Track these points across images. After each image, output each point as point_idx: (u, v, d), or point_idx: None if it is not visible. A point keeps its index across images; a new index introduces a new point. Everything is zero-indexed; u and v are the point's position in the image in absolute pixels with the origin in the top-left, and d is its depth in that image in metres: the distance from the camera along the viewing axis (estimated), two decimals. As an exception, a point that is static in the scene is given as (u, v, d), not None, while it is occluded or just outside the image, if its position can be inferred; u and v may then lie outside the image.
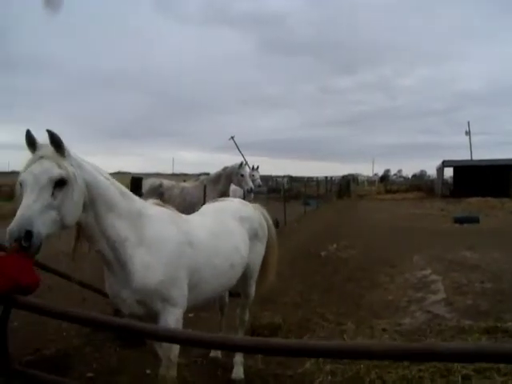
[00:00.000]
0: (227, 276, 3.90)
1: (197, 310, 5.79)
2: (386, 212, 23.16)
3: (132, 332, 2.36)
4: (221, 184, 10.08)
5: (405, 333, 5.54)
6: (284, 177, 46.44)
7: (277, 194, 27.83)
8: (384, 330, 5.62)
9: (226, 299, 5.19)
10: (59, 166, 2.65)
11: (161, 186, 10.23)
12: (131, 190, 6.47)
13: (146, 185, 10.33)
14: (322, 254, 10.55)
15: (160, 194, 10.13)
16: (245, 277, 4.40)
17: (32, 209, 2.47)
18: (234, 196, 14.37)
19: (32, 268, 2.52)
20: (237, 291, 4.81)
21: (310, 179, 45.26)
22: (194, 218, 4.01)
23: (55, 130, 2.68)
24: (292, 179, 46.47)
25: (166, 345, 3.26)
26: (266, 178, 43.20)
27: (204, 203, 9.29)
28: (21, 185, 2.63)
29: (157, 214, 3.35)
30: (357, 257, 10.40)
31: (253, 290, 4.66)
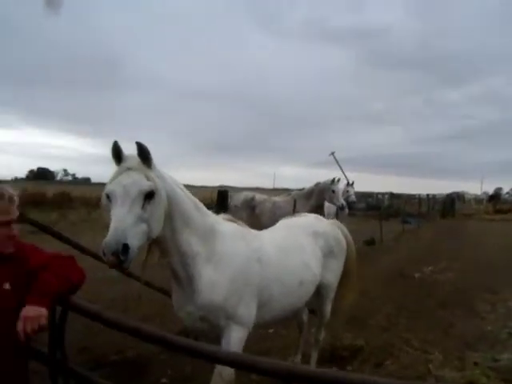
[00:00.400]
0: (297, 294, 3.76)
1: (276, 327, 5.78)
2: (494, 233, 21.34)
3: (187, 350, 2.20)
4: (312, 199, 10.04)
5: (502, 370, 5.03)
6: (385, 194, 45.02)
7: (376, 211, 26.97)
8: (476, 363, 5.12)
9: (304, 317, 5.07)
10: (147, 178, 2.65)
11: (253, 199, 10.45)
12: (217, 203, 6.77)
13: (240, 198, 10.63)
14: (416, 275, 10.01)
15: (252, 208, 10.37)
16: (319, 296, 4.30)
17: (126, 222, 2.47)
18: (329, 212, 14.26)
19: (76, 263, 2.60)
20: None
21: (411, 196, 43.37)
22: (265, 233, 3.91)
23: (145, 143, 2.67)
24: (393, 196, 44.86)
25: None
26: (365, 195, 42.20)
27: (293, 217, 9.39)
28: (108, 196, 2.62)
29: (227, 230, 3.29)
30: (454, 280, 9.69)
31: (328, 309, 4.53)
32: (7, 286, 2.26)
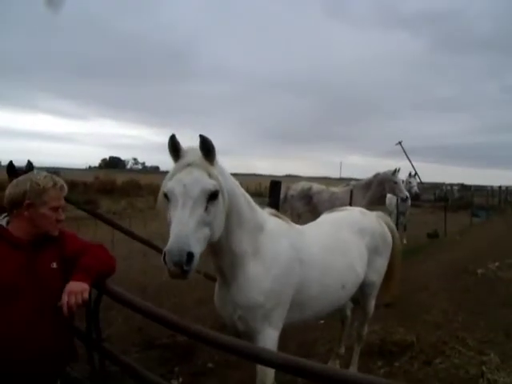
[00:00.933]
0: (337, 296, 3.59)
1: (327, 319, 5.70)
2: None
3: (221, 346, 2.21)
4: (371, 191, 9.79)
5: None
6: (455, 185, 43.13)
7: (445, 203, 25.91)
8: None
9: (348, 311, 4.95)
10: (210, 176, 2.42)
11: (310, 189, 10.37)
12: (270, 194, 6.73)
13: (297, 188, 10.59)
14: (479, 271, 9.50)
15: (309, 198, 10.31)
16: (362, 293, 4.18)
17: (189, 227, 2.24)
18: (390, 203, 13.86)
19: (108, 251, 2.73)
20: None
21: (482, 188, 41.20)
22: (309, 230, 3.66)
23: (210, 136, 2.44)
24: (464, 187, 42.85)
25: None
26: (434, 186, 40.56)
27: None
28: (166, 195, 2.41)
29: (273, 227, 3.13)
30: (521, 279, 9.14)
31: (371, 305, 4.42)
32: (54, 265, 2.44)
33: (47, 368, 2.40)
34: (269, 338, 2.99)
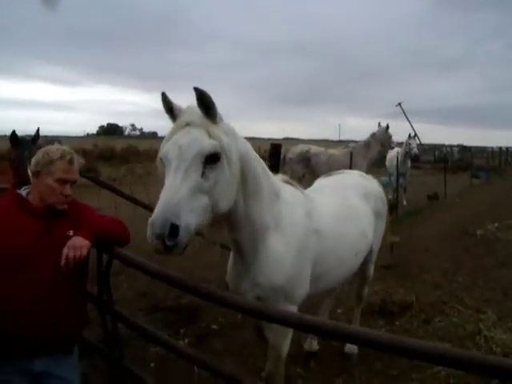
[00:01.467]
0: (350, 265, 3.46)
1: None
2: None
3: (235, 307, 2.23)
4: (371, 151, 9.80)
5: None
6: (455, 146, 43.01)
7: (444, 164, 25.95)
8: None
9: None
10: (210, 136, 2.11)
11: (308, 151, 10.36)
12: (270, 157, 6.71)
13: (295, 150, 10.57)
14: (478, 232, 9.59)
15: (307, 160, 10.30)
16: (365, 260, 3.98)
17: (179, 194, 1.95)
18: (391, 166, 13.85)
19: (124, 224, 2.74)
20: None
21: (482, 149, 41.10)
22: (318, 198, 3.31)
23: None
24: (464, 149, 42.71)
25: (277, 335, 2.90)
26: (433, 147, 40.44)
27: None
28: (162, 159, 2.15)
29: (288, 196, 2.86)
30: (520, 239, 9.24)
31: (371, 270, 4.37)
32: (71, 233, 2.46)
33: (63, 333, 2.45)
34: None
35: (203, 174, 2.07)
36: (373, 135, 9.84)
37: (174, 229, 1.88)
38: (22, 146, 4.58)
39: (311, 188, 3.89)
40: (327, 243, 3.03)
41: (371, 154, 9.76)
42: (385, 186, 15.11)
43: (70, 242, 2.34)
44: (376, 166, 11.86)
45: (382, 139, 9.68)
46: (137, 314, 5.36)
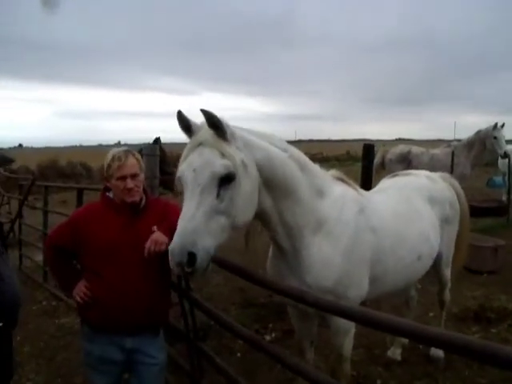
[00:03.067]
0: (413, 269, 3.32)
1: (423, 283, 5.65)
2: None
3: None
4: (475, 150, 9.25)
5: None
6: None
7: None
8: None
9: (413, 292, 4.62)
10: (223, 155, 2.13)
11: (409, 152, 10.05)
12: (363, 158, 6.68)
13: (395, 151, 10.33)
14: None
15: (408, 161, 10.00)
16: (437, 266, 3.93)
17: (195, 220, 2.04)
18: (503, 165, 12.83)
19: None
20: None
21: None
22: (376, 196, 3.34)
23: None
24: None
25: (337, 334, 2.90)
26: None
27: (452, 171, 8.80)
28: (180, 181, 2.21)
29: (337, 193, 2.80)
30: None
31: (448, 274, 4.20)
32: (155, 228, 2.75)
33: (151, 315, 2.78)
34: (343, 324, 2.75)
35: (218, 196, 2.10)
36: (478, 132, 9.26)
37: (192, 257, 1.98)
38: None
39: (375, 188, 3.87)
40: (385, 242, 2.95)
41: (474, 153, 9.19)
42: (498, 186, 14.09)
43: (152, 237, 2.64)
44: (483, 165, 11.09)
45: (485, 136, 9.06)
46: (230, 308, 5.75)
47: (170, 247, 2.03)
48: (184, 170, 2.18)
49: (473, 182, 13.74)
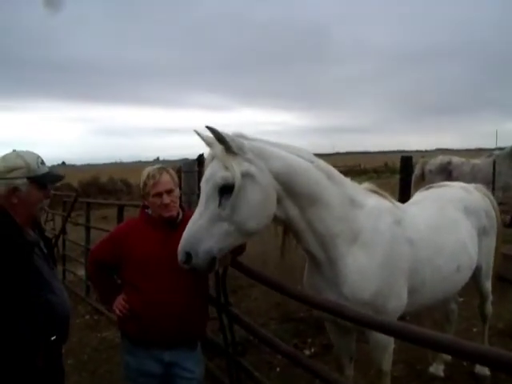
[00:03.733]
0: (452, 280, 3.28)
1: (467, 295, 5.50)
2: None
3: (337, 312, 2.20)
4: (519, 159, 8.98)
5: None
6: None
7: None
8: None
9: (453, 305, 4.46)
10: (226, 168, 2.30)
11: (449, 163, 9.88)
12: (401, 170, 6.59)
13: (435, 162, 10.16)
14: None
15: (448, 172, 9.83)
16: (477, 278, 3.86)
17: (197, 224, 2.31)
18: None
19: None
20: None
21: None
22: (412, 208, 3.37)
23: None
24: None
25: (377, 349, 2.90)
26: None
27: (494, 181, 8.56)
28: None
29: (371, 204, 2.81)
30: None
31: (488, 286, 4.08)
32: None
33: (189, 330, 2.82)
34: (380, 335, 2.63)
35: (220, 204, 2.30)
36: (522, 141, 9.01)
37: (188, 256, 2.31)
38: None
39: (410, 200, 3.83)
40: (423, 253, 2.94)
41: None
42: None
43: None
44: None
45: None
46: (268, 322, 5.73)
47: (178, 248, 2.34)
48: (202, 181, 2.41)
49: (518, 191, 13.31)
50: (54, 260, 2.61)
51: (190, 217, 2.95)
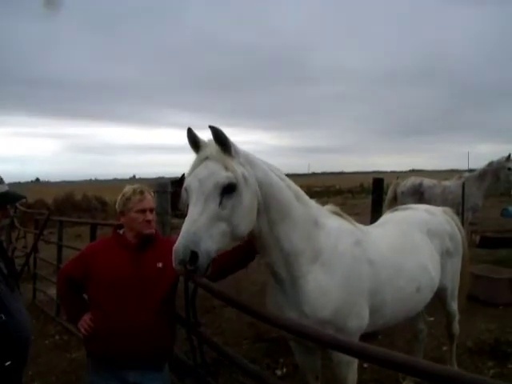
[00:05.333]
0: (412, 301, 3.32)
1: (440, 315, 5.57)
2: None
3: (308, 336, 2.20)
4: (486, 181, 9.27)
5: None
6: None
7: None
8: None
9: (421, 325, 4.48)
10: (226, 168, 2.30)
11: (421, 185, 10.08)
12: (372, 191, 6.69)
13: (407, 184, 10.35)
14: None
15: (420, 193, 10.02)
16: (440, 298, 3.93)
17: (198, 223, 2.18)
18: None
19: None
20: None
21: None
22: (374, 230, 3.42)
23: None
24: None
25: (340, 365, 2.88)
26: None
27: (463, 203, 8.79)
28: (186, 191, 2.38)
29: (333, 225, 2.88)
30: None
31: (454, 308, 4.12)
32: (160, 265, 2.85)
33: (155, 351, 2.81)
34: (345, 357, 2.68)
35: (221, 204, 2.25)
36: (490, 163, 9.30)
37: (194, 255, 2.12)
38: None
39: (377, 222, 3.89)
40: (383, 274, 2.98)
41: (486, 185, 9.21)
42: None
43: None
44: (497, 195, 11.08)
45: (497, 169, 9.10)
46: (241, 342, 5.71)
47: (174, 247, 2.15)
48: (190, 180, 2.34)
49: (487, 212, 13.65)
50: (16, 280, 2.53)
51: (163, 240, 3.01)
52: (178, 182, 5.56)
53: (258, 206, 2.45)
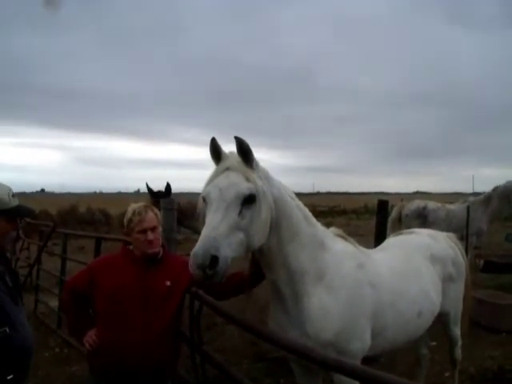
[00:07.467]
0: (413, 325, 3.31)
1: (443, 341, 5.52)
2: None
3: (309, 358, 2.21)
4: (491, 206, 9.27)
5: None
6: None
7: None
8: None
9: (424, 350, 4.50)
10: (247, 180, 2.34)
11: (425, 208, 10.07)
12: (377, 213, 6.69)
13: (411, 207, 10.34)
14: None
15: (424, 217, 10.00)
16: (443, 323, 3.94)
17: (218, 230, 2.18)
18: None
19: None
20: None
21: None
22: (377, 253, 3.44)
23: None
24: None
25: None
26: None
27: (467, 227, 8.77)
28: (204, 199, 2.38)
29: (338, 247, 2.92)
30: None
31: (456, 333, 4.11)
32: (168, 283, 2.87)
33: (158, 367, 2.81)
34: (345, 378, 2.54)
35: (240, 214, 2.28)
36: (495, 188, 9.32)
37: (214, 260, 2.10)
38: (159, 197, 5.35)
39: (380, 246, 3.90)
40: (385, 297, 2.99)
41: (492, 209, 9.21)
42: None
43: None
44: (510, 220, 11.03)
45: (506, 192, 9.11)
46: (242, 361, 5.66)
47: (194, 251, 2.13)
48: (210, 189, 2.35)
49: (491, 236, 13.56)
50: (20, 294, 2.52)
51: (171, 258, 3.04)
52: (165, 193, 5.66)
53: (270, 222, 2.46)
